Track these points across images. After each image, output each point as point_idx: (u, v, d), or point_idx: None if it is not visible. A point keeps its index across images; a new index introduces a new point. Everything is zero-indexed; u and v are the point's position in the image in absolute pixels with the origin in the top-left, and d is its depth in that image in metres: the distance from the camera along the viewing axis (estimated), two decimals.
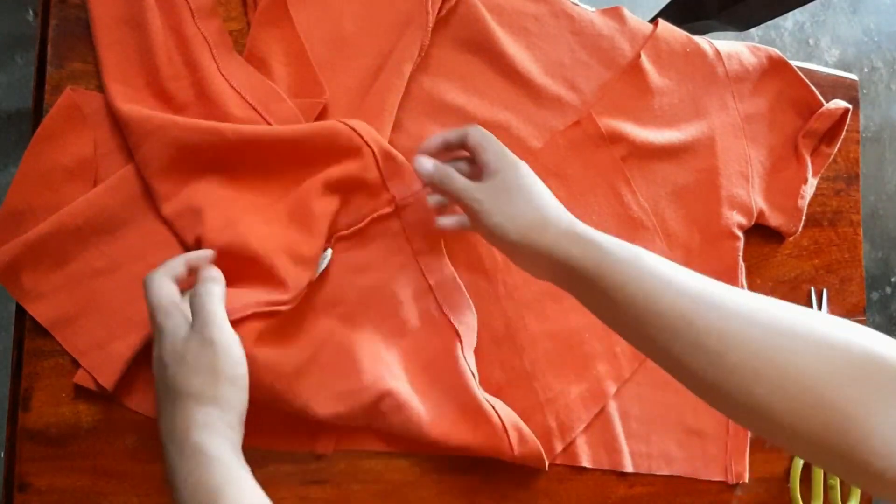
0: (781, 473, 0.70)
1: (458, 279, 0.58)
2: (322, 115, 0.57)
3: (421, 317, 0.57)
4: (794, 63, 0.72)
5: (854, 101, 0.75)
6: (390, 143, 0.58)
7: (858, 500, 0.71)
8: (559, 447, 0.61)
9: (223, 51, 0.55)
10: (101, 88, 0.54)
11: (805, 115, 0.72)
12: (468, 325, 0.58)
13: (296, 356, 0.53)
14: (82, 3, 0.54)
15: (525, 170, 0.52)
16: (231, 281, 0.51)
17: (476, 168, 0.53)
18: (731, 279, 0.68)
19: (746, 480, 0.67)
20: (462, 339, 0.57)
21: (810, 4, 0.97)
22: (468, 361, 0.57)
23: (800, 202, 0.71)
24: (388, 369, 0.55)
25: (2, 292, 0.51)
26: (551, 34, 0.65)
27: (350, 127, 0.54)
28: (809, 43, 1.65)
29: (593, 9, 0.67)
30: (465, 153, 0.55)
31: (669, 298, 0.42)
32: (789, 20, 1.63)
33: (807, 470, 0.70)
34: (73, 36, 0.54)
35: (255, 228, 0.52)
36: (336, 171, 0.54)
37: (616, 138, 0.65)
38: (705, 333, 0.40)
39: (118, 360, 0.50)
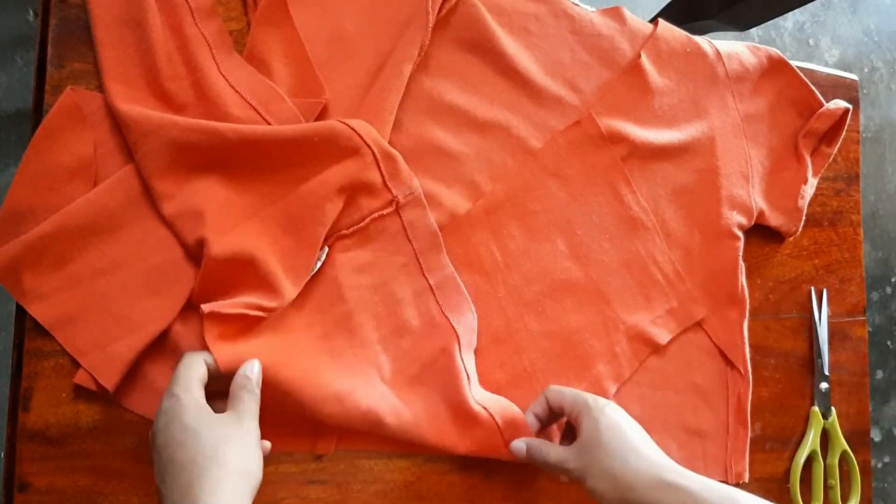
0: (781, 473, 0.70)
1: (459, 279, 0.58)
2: (322, 115, 0.57)
3: (420, 317, 0.57)
4: (794, 63, 0.72)
5: (854, 101, 0.75)
6: (390, 143, 0.58)
7: (858, 500, 0.71)
8: None
9: (223, 51, 0.55)
10: (101, 88, 0.54)
11: (805, 115, 0.72)
12: (467, 326, 0.58)
13: (292, 356, 0.53)
14: (82, 3, 0.54)
15: (606, 418, 0.52)
16: (228, 287, 0.51)
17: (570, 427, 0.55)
18: (731, 279, 0.68)
19: (746, 480, 0.67)
20: (460, 339, 0.57)
21: (810, 4, 0.97)
22: (465, 362, 0.57)
23: (800, 202, 0.71)
24: (368, 385, 0.55)
25: (2, 292, 0.51)
26: (551, 34, 0.65)
27: (350, 127, 0.54)
28: (809, 43, 1.65)
29: (593, 9, 0.67)
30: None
31: None
32: (789, 20, 1.63)
33: (807, 470, 0.70)
34: (73, 36, 0.54)
35: (253, 234, 0.52)
36: (336, 171, 0.54)
37: (616, 138, 0.65)
38: None
39: (119, 361, 0.50)
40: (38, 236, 0.50)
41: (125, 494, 0.52)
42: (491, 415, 0.56)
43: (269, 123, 0.54)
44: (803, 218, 0.71)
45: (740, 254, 0.68)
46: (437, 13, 0.59)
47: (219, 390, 0.48)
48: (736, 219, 0.69)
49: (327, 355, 0.55)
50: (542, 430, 0.58)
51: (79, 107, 0.53)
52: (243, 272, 0.51)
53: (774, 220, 0.71)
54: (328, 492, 0.57)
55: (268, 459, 0.55)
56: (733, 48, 0.71)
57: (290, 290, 0.52)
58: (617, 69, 0.67)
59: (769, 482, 0.70)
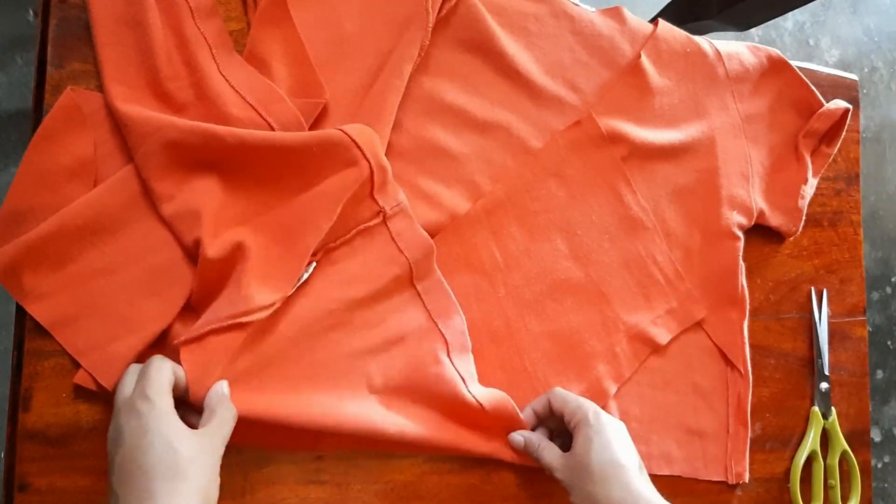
0: (781, 473, 0.70)
1: (445, 282, 0.58)
2: (322, 115, 0.57)
3: (409, 323, 0.57)
4: (794, 63, 0.72)
5: (854, 101, 0.75)
6: (390, 143, 0.58)
7: (858, 500, 0.71)
8: None
9: (223, 51, 0.55)
10: (101, 88, 0.54)
11: (805, 115, 0.72)
12: (456, 329, 0.58)
13: (273, 376, 0.52)
14: (82, 3, 0.54)
15: (600, 440, 0.52)
16: (215, 291, 0.51)
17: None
18: (731, 279, 0.68)
19: (746, 480, 0.67)
20: (450, 344, 0.57)
21: (810, 4, 0.97)
22: (457, 365, 0.57)
23: (800, 202, 0.71)
24: (356, 397, 0.55)
25: (2, 292, 0.51)
26: (551, 34, 0.65)
27: (350, 138, 0.53)
28: (809, 43, 1.65)
29: (593, 9, 0.67)
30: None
31: None
32: (789, 20, 1.63)
33: (807, 470, 0.70)
34: (73, 36, 0.54)
35: (244, 239, 0.52)
36: (333, 183, 0.53)
37: (616, 138, 0.65)
38: None
39: (119, 361, 0.50)
40: (38, 236, 0.50)
41: None
42: (483, 408, 0.56)
43: (268, 123, 0.54)
44: (803, 218, 0.71)
45: (740, 254, 0.68)
46: (437, 13, 0.59)
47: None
48: (736, 219, 0.69)
49: (312, 369, 0.54)
50: (540, 428, 0.59)
51: (79, 107, 0.53)
52: (231, 275, 0.51)
53: (774, 220, 0.71)
54: (328, 492, 0.57)
55: (268, 459, 0.55)
56: (733, 48, 0.71)
57: (262, 296, 0.50)
58: (617, 69, 0.67)
59: (769, 482, 0.70)
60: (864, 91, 1.68)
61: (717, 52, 0.70)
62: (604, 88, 0.66)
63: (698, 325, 0.68)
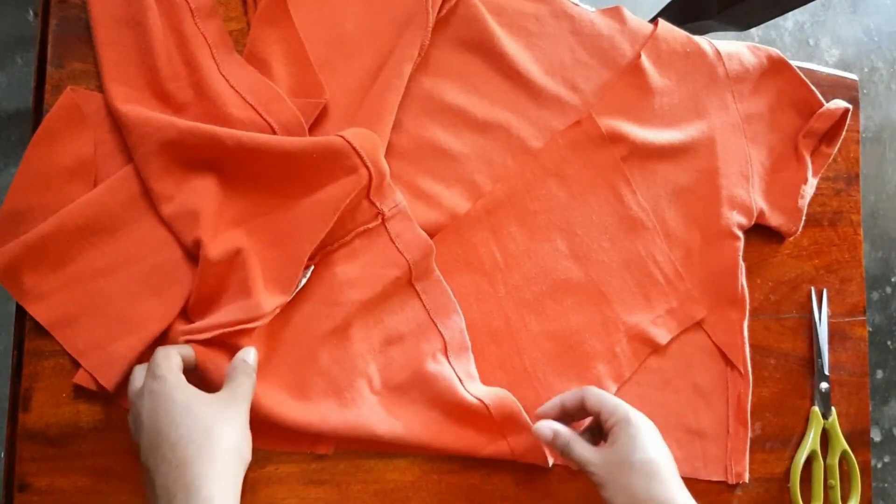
0: (781, 473, 0.70)
1: (444, 281, 0.58)
2: (322, 115, 0.57)
3: (408, 323, 0.57)
4: (794, 63, 0.72)
5: (854, 101, 0.75)
6: (390, 143, 0.58)
7: (858, 499, 0.71)
8: None
9: (223, 51, 0.55)
10: (101, 88, 0.54)
11: (805, 115, 0.72)
12: (455, 328, 0.58)
13: (274, 379, 0.52)
14: (82, 3, 0.54)
15: (644, 439, 0.52)
16: (222, 290, 0.51)
17: (598, 429, 0.56)
18: (731, 279, 0.68)
19: (746, 480, 0.67)
20: (448, 343, 0.57)
21: (810, 4, 0.97)
22: (455, 365, 0.57)
23: (800, 202, 0.71)
24: (357, 398, 0.55)
25: (2, 292, 0.51)
26: (551, 34, 0.65)
27: (350, 145, 0.53)
28: (809, 43, 1.65)
29: (593, 9, 0.67)
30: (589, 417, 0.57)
31: None
32: (789, 20, 1.63)
33: (807, 470, 0.70)
34: (73, 36, 0.54)
35: (240, 241, 0.52)
36: (332, 190, 0.53)
37: (616, 138, 0.65)
38: None
39: (119, 361, 0.50)
40: (38, 236, 0.50)
41: (125, 494, 0.52)
42: (486, 406, 0.56)
43: (268, 123, 0.54)
44: (803, 218, 0.71)
45: (740, 254, 0.68)
46: (437, 13, 0.59)
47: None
48: (736, 219, 0.69)
49: (311, 372, 0.54)
50: (565, 423, 0.58)
51: (79, 107, 0.53)
52: (231, 277, 0.51)
53: (774, 220, 0.71)
54: (328, 492, 0.57)
55: (268, 459, 0.55)
56: (733, 48, 0.71)
57: (269, 302, 0.50)
58: (617, 69, 0.67)
59: (769, 482, 0.70)
60: (864, 91, 1.68)
61: (717, 52, 0.70)
62: (604, 88, 0.66)
63: (698, 325, 0.68)
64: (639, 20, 0.68)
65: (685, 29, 0.70)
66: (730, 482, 0.67)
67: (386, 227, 0.56)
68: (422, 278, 0.57)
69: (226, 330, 0.49)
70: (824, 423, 0.71)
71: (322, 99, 0.56)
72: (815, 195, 0.73)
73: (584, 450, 0.54)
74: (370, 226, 0.56)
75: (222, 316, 0.50)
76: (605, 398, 0.56)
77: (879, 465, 1.59)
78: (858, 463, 0.71)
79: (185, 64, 0.54)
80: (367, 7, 0.60)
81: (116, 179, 0.53)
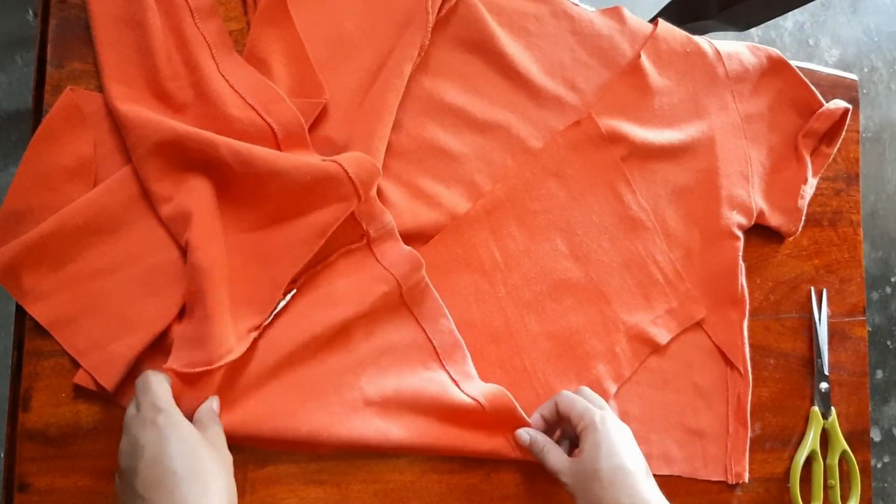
0: (781, 473, 0.70)
1: (431, 285, 0.58)
2: (322, 115, 0.57)
3: (396, 331, 0.57)
4: (794, 63, 0.72)
5: (854, 101, 0.75)
6: (390, 143, 0.58)
7: (858, 499, 0.71)
8: None
9: (223, 51, 0.55)
10: (100, 88, 0.54)
11: (805, 115, 0.72)
12: (444, 331, 0.58)
13: (262, 401, 0.52)
14: (82, 3, 0.54)
15: (608, 444, 0.52)
16: (197, 299, 0.50)
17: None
18: (731, 279, 0.68)
19: (746, 480, 0.67)
20: (437, 347, 0.58)
21: (810, 4, 0.97)
22: (447, 368, 0.57)
23: (800, 202, 0.71)
24: (349, 412, 0.55)
25: (1, 292, 0.51)
26: (551, 34, 0.65)
27: (347, 175, 0.52)
28: (809, 43, 1.65)
29: (593, 9, 0.67)
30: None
31: None
32: (789, 20, 1.63)
33: (807, 470, 0.70)
34: (73, 36, 0.54)
35: (223, 254, 0.51)
36: (322, 216, 0.52)
37: (616, 138, 0.65)
38: None
39: (118, 361, 0.50)
40: (37, 236, 0.50)
41: None
42: (481, 404, 0.56)
43: (268, 123, 0.54)
44: (803, 218, 0.71)
45: (740, 254, 0.68)
46: (437, 13, 0.59)
47: None
48: (736, 219, 0.69)
49: (300, 389, 0.53)
50: (548, 432, 0.58)
51: (79, 107, 0.53)
52: (211, 288, 0.50)
53: (774, 220, 0.71)
54: (328, 492, 0.57)
55: (267, 459, 0.55)
56: (733, 48, 0.71)
57: (228, 339, 0.49)
58: (617, 69, 0.67)
59: (769, 482, 0.70)
60: (864, 91, 1.68)
61: (717, 52, 0.70)
62: (604, 88, 0.66)
63: (698, 324, 0.68)
64: (638, 20, 0.68)
65: (685, 29, 0.70)
66: (729, 482, 0.67)
67: (371, 248, 0.56)
68: (411, 290, 0.57)
69: (188, 370, 0.48)
70: (824, 423, 0.71)
71: (322, 99, 0.56)
72: (815, 195, 0.73)
73: (556, 458, 0.54)
74: (354, 246, 0.56)
75: (181, 350, 0.50)
76: (575, 404, 0.55)
77: (879, 465, 1.59)
78: (858, 463, 0.71)
79: (184, 64, 0.54)
80: (367, 7, 0.60)
81: (116, 180, 0.53)
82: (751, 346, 0.68)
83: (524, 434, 0.57)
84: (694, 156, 0.68)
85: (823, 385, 0.72)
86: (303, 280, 0.55)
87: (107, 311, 0.51)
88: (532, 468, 0.60)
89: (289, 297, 0.54)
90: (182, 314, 0.52)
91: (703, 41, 0.70)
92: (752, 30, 1.33)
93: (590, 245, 0.65)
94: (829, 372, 0.72)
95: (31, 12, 1.19)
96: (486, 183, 0.62)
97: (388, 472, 0.58)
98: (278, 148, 0.54)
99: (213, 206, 0.52)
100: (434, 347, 0.58)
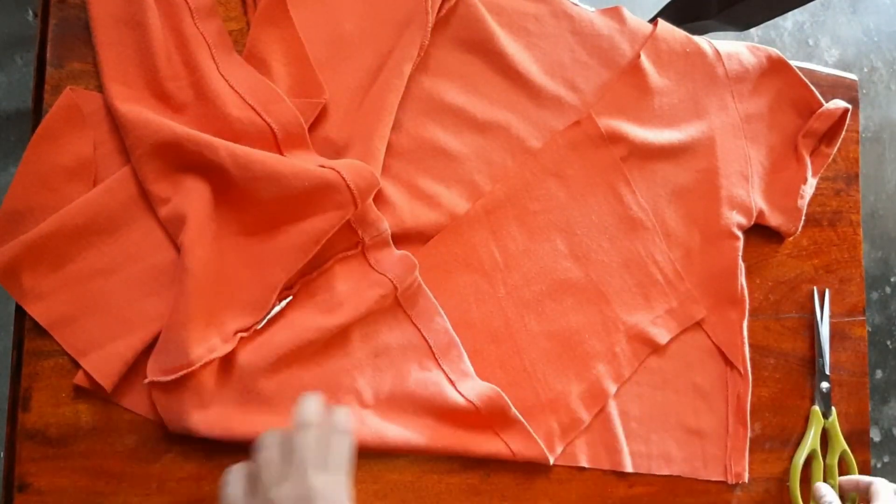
0: (781, 473, 0.70)
1: (424, 285, 0.58)
2: (321, 115, 0.57)
3: (391, 332, 0.57)
4: (793, 63, 0.72)
5: (854, 101, 0.75)
6: (390, 143, 0.58)
7: (858, 499, 0.71)
8: (560, 447, 0.61)
9: (223, 51, 0.55)
10: (100, 88, 0.54)
11: (805, 115, 0.72)
12: (438, 330, 0.58)
13: (262, 400, 0.52)
14: (82, 3, 0.54)
15: None
16: (174, 304, 0.50)
17: None
18: (731, 279, 0.68)
19: (746, 480, 0.67)
20: (433, 347, 0.58)
21: (810, 4, 0.97)
22: (443, 367, 0.57)
23: (799, 202, 0.71)
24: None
25: (1, 292, 0.51)
26: (551, 34, 0.65)
27: (346, 183, 0.52)
28: (809, 43, 1.65)
29: (593, 9, 0.67)
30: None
31: None
32: (789, 20, 1.63)
33: (806, 469, 0.70)
34: (73, 36, 0.54)
35: (219, 256, 0.51)
36: (318, 222, 0.52)
37: (616, 138, 0.65)
38: None
39: (118, 361, 0.50)
40: (37, 236, 0.50)
41: (125, 494, 0.52)
42: (475, 405, 0.56)
43: (267, 123, 0.54)
44: (803, 218, 0.71)
45: (740, 254, 0.68)
46: (437, 13, 0.59)
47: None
48: (736, 219, 0.69)
49: (298, 395, 0.53)
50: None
51: (78, 107, 0.53)
52: (196, 291, 0.50)
53: (774, 219, 0.71)
54: None
55: None
56: (733, 48, 0.71)
57: (198, 348, 0.49)
58: (616, 69, 0.67)
59: (769, 482, 0.70)
60: (864, 91, 1.68)
61: (717, 52, 0.70)
62: (603, 88, 0.66)
63: (698, 325, 0.68)
64: (638, 20, 0.68)
65: (685, 29, 0.70)
66: (729, 482, 0.67)
67: (365, 255, 0.56)
68: (405, 292, 0.57)
69: (170, 378, 0.48)
70: (824, 423, 0.71)
71: (322, 99, 0.56)
72: (815, 195, 0.73)
73: None
74: (349, 253, 0.56)
75: (158, 355, 0.50)
76: (859, 479, 0.66)
77: (879, 465, 1.59)
78: (858, 463, 0.71)
79: (184, 64, 0.54)
80: (367, 7, 0.60)
81: (115, 180, 0.53)
82: (751, 345, 0.68)
83: (821, 487, 0.67)
84: (694, 156, 0.68)
85: (824, 385, 0.72)
86: (299, 286, 0.55)
87: (106, 311, 0.51)
88: (532, 469, 0.60)
89: (284, 303, 0.54)
90: None
91: (702, 41, 0.70)
92: (752, 30, 1.33)
93: (590, 245, 0.65)
94: (829, 372, 0.72)
95: (30, 12, 1.19)
96: (485, 183, 0.62)
97: (387, 472, 0.58)
98: (278, 148, 0.54)
99: (209, 209, 0.52)
100: (430, 347, 0.58)
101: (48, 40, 0.54)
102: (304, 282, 0.55)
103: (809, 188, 0.71)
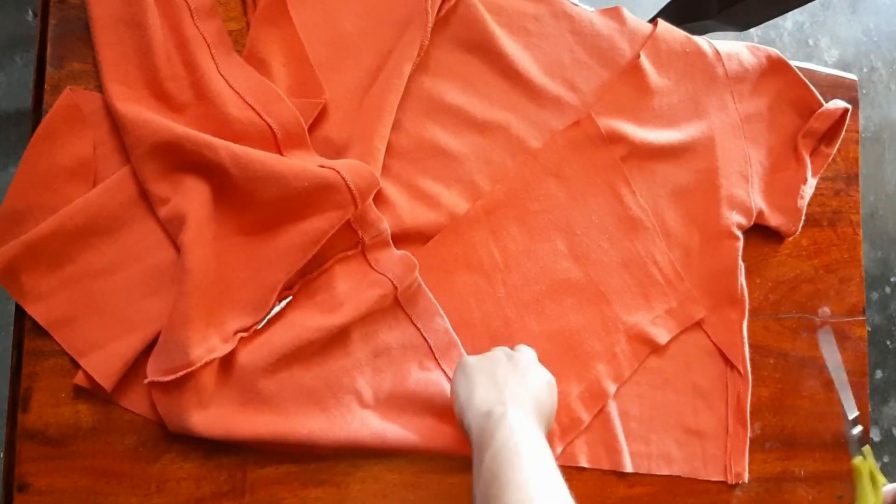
0: (780, 473, 0.70)
1: (424, 285, 0.58)
2: (321, 115, 0.57)
3: (391, 332, 0.57)
4: (793, 63, 0.72)
5: (853, 101, 0.75)
6: (390, 143, 0.58)
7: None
8: (560, 447, 0.61)
9: (222, 51, 0.55)
10: (100, 88, 0.54)
11: (804, 115, 0.72)
12: (438, 330, 0.58)
13: (259, 404, 0.53)
14: (82, 3, 0.54)
15: None
16: (174, 304, 0.50)
17: None
18: (731, 279, 0.68)
19: (746, 480, 0.67)
20: (434, 347, 0.58)
21: (810, 4, 0.97)
22: (443, 367, 0.58)
23: (799, 202, 0.71)
24: (346, 415, 0.55)
25: (1, 292, 0.51)
26: (551, 34, 0.65)
27: (346, 183, 0.52)
28: (809, 43, 1.65)
29: (593, 9, 0.67)
30: None
31: None
32: (789, 20, 1.63)
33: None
34: (73, 36, 0.54)
35: (217, 257, 0.51)
36: (317, 222, 0.52)
37: (615, 138, 0.65)
38: None
39: (118, 361, 0.50)
40: (37, 236, 0.50)
41: (125, 494, 0.52)
42: None
43: (267, 123, 0.54)
44: (803, 218, 0.71)
45: (740, 254, 0.68)
46: (437, 13, 0.59)
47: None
48: (735, 219, 0.69)
49: (297, 394, 0.54)
50: None
51: (78, 107, 0.53)
52: (195, 291, 0.50)
53: (774, 220, 0.71)
54: (328, 492, 0.57)
55: (268, 459, 0.55)
56: (733, 48, 0.71)
57: (199, 348, 0.49)
58: (616, 69, 0.67)
59: (769, 482, 0.70)
60: (864, 91, 1.68)
61: (717, 52, 0.70)
62: (603, 88, 0.66)
63: (698, 325, 0.68)
64: (638, 20, 0.68)
65: (685, 29, 0.70)
66: (729, 482, 0.67)
67: (365, 255, 0.56)
68: (405, 292, 0.57)
69: (161, 379, 0.49)
70: (870, 468, 0.69)
71: (321, 99, 0.56)
72: (815, 195, 0.73)
73: None
74: (349, 253, 0.56)
75: (162, 355, 0.50)
76: None
77: (879, 465, 1.59)
78: None
79: (184, 64, 0.54)
80: (367, 7, 0.60)
81: (115, 180, 0.53)
82: (750, 345, 0.68)
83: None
84: (693, 156, 0.68)
85: (856, 430, 0.69)
86: (299, 286, 0.55)
87: (106, 311, 0.51)
88: None
89: (284, 303, 0.54)
90: None
91: (702, 41, 0.70)
92: (752, 30, 1.33)
93: (589, 245, 0.65)
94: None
95: (30, 12, 1.19)
96: (485, 183, 0.62)
97: (387, 472, 0.58)
98: (278, 148, 0.54)
99: (209, 209, 0.52)
100: (430, 347, 0.58)
101: (48, 40, 0.54)
102: (304, 282, 0.55)
103: (809, 188, 0.71)
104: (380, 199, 0.58)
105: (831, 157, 0.73)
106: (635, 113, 0.67)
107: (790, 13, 1.55)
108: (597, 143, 0.65)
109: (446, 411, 0.56)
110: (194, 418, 0.50)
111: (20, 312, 0.52)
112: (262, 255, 0.53)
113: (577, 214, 0.65)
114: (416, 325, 0.58)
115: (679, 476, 0.66)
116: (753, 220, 0.69)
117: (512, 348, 0.56)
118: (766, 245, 0.72)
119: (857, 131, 0.77)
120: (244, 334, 0.52)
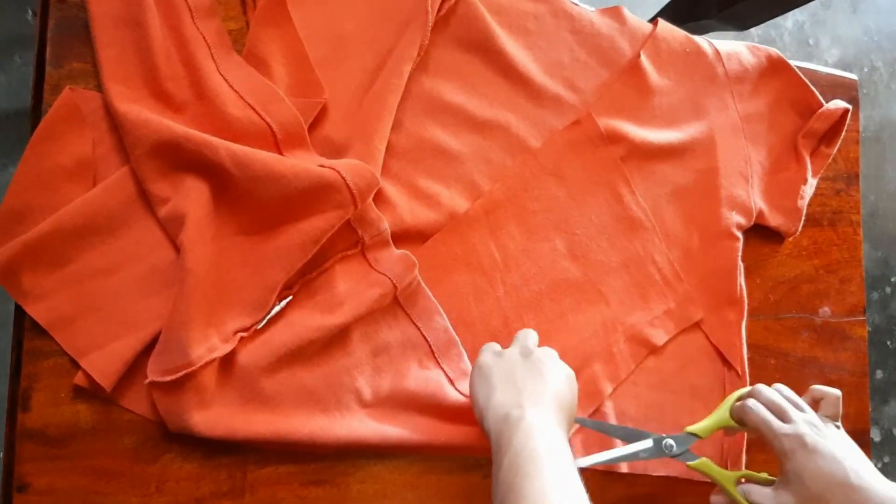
0: (779, 473, 0.70)
1: (423, 284, 0.58)
2: (321, 115, 0.57)
3: (390, 331, 0.57)
4: (793, 63, 0.72)
5: (854, 101, 0.75)
6: (390, 143, 0.58)
7: None
8: None
9: (222, 50, 0.55)
10: (99, 88, 0.54)
11: (805, 115, 0.72)
12: (438, 329, 0.58)
13: (260, 403, 0.53)
14: (81, 3, 0.54)
15: (807, 474, 0.52)
16: (174, 304, 0.50)
17: None
18: (730, 280, 0.68)
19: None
20: (433, 346, 0.58)
21: (810, 4, 0.97)
22: (442, 366, 0.58)
23: (799, 202, 0.71)
24: (346, 414, 0.55)
25: (1, 292, 0.51)
26: (551, 34, 0.65)
27: (345, 182, 0.52)
28: (809, 43, 1.65)
29: (593, 9, 0.67)
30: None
31: None
32: (789, 20, 1.63)
33: None
34: (73, 36, 0.54)
35: (217, 256, 0.51)
36: (317, 222, 0.52)
37: (615, 138, 0.65)
38: None
39: (118, 361, 0.50)
40: (37, 236, 0.50)
41: (125, 494, 0.52)
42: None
43: (267, 123, 0.54)
44: (803, 218, 0.71)
45: (739, 254, 0.68)
46: (437, 13, 0.59)
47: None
48: (735, 219, 0.69)
49: (297, 393, 0.54)
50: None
51: (78, 107, 0.53)
52: (195, 291, 0.50)
53: (774, 220, 0.71)
54: (328, 492, 0.57)
55: (267, 459, 0.55)
56: (733, 48, 0.71)
57: (199, 348, 0.49)
58: (616, 69, 0.67)
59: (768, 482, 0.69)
60: (864, 91, 1.68)
61: (717, 52, 0.70)
62: (603, 88, 0.66)
63: (696, 325, 0.68)
64: (638, 20, 0.68)
65: (685, 29, 0.70)
66: None
67: (365, 255, 0.56)
68: (405, 291, 0.57)
69: (162, 378, 0.49)
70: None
71: (321, 99, 0.56)
72: (815, 195, 0.73)
73: (760, 496, 0.54)
74: (349, 252, 0.56)
75: (163, 355, 0.50)
76: (765, 425, 0.54)
77: (879, 466, 1.59)
78: None
79: (183, 64, 0.54)
80: (367, 7, 0.60)
81: (115, 179, 0.53)
82: (750, 345, 0.68)
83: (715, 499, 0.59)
84: (693, 156, 0.68)
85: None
86: (299, 286, 0.55)
87: (106, 311, 0.51)
88: None
89: (284, 302, 0.54)
90: None
91: (702, 41, 0.70)
92: (752, 30, 1.33)
93: (588, 245, 0.65)
94: (831, 375, 0.71)
95: (30, 12, 1.19)
96: (485, 182, 0.62)
97: (387, 472, 0.58)
98: (277, 148, 0.54)
99: (209, 209, 0.52)
100: (429, 346, 0.58)
101: (47, 40, 0.54)
102: (304, 281, 0.55)
103: (809, 188, 0.71)
104: (380, 198, 0.58)
105: (831, 157, 0.73)
106: (635, 112, 0.67)
107: (790, 13, 1.55)
108: (596, 143, 0.65)
109: (446, 410, 0.56)
110: (195, 418, 0.50)
111: (20, 312, 0.52)
112: (262, 254, 0.53)
113: (576, 214, 0.65)
114: (415, 324, 0.58)
115: (677, 476, 0.66)
116: (753, 220, 0.69)
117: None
118: (766, 245, 0.72)
119: (858, 131, 0.77)
120: (244, 334, 0.52)
